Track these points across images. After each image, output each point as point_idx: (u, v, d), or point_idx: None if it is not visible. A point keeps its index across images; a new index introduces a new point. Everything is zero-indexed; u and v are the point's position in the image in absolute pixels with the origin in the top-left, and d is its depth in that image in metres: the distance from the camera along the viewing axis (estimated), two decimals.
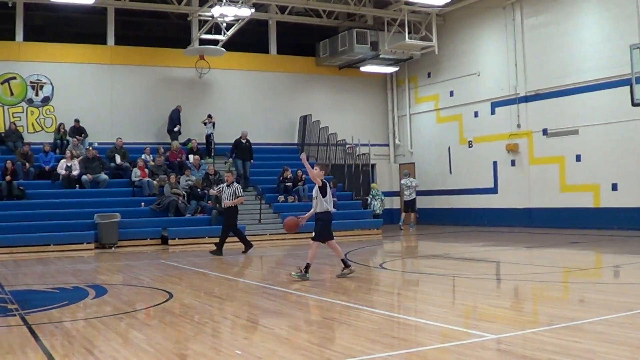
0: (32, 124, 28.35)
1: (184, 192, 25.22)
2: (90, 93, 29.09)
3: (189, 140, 29.18)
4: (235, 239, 20.41)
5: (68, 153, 25.91)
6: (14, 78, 28.30)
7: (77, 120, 27.86)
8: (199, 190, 25.44)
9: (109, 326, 9.04)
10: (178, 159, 27.65)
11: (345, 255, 14.02)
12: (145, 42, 30.69)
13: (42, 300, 11.74)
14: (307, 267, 13.10)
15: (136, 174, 25.95)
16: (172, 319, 9.65)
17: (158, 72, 30.44)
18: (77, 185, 25.33)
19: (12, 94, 28.18)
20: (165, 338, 8.23)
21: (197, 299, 11.49)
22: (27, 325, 9.20)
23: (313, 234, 13.32)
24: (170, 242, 23.40)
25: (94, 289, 12.73)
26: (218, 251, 19.52)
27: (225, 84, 31.57)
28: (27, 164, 25.51)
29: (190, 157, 28.06)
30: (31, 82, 28.42)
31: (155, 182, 25.56)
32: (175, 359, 7.13)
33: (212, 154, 29.32)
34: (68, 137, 27.67)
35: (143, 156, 26.98)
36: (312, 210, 13.61)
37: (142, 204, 25.00)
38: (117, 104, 29.45)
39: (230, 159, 28.44)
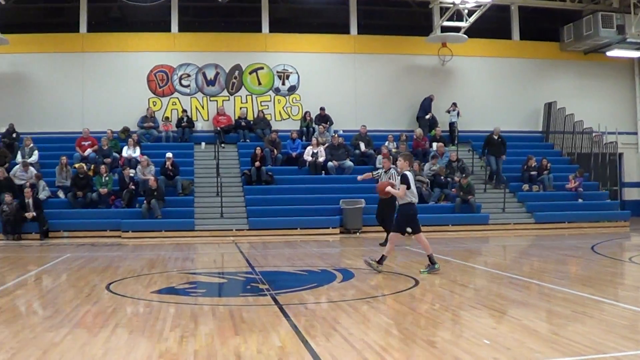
0: (279, 112, 29.30)
1: (427, 180, 25.05)
2: (335, 82, 29.68)
3: (433, 127, 28.95)
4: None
5: (314, 140, 26.54)
6: (262, 68, 29.39)
7: (322, 109, 28.45)
8: (442, 178, 25.18)
9: (357, 309, 9.16)
10: (422, 147, 27.48)
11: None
12: (387, 31, 30.86)
13: (292, 282, 12.17)
14: (381, 259, 12.70)
15: (380, 161, 26.05)
16: (419, 305, 9.65)
17: (400, 60, 30.53)
18: (323, 172, 25.90)
19: (260, 83, 29.33)
20: (412, 324, 8.20)
21: (442, 286, 11.37)
22: (277, 304, 9.49)
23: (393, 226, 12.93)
24: None
25: (341, 273, 12.97)
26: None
27: (468, 71, 31.15)
28: (275, 151, 26.37)
29: (434, 144, 27.87)
30: (278, 72, 29.41)
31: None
32: (423, 344, 7.07)
33: (456, 142, 29.07)
34: (314, 125, 28.28)
35: (386, 143, 27.03)
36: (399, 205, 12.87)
37: None
38: (360, 92, 29.81)
39: (484, 157, 27.91)
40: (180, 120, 28.45)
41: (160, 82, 29.17)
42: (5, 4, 27.16)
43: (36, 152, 25.79)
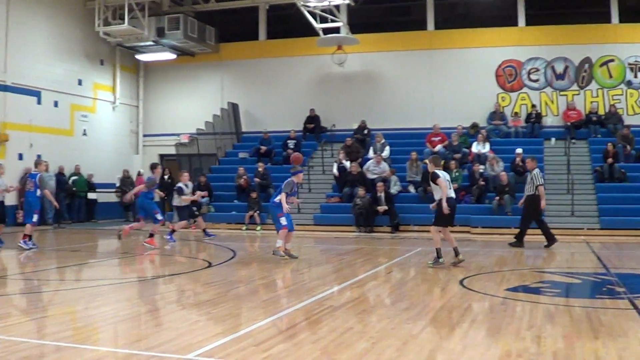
0: (632, 106, 28.18)
1: None
2: None
3: None
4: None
5: None
6: (612, 60, 28.42)
7: None
8: None
9: None
10: None
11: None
12: None
13: None
14: (437, 253, 13.78)
15: None
16: None
17: None
18: None
19: (610, 76, 28.37)
20: None
21: None
22: (637, 309, 9.20)
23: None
24: None
25: None
26: (518, 242, 17.82)
27: None
28: (628, 147, 25.35)
29: None
30: (629, 64, 28.33)
31: None
32: None
33: None
34: None
35: None
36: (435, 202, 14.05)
37: None
38: None
39: None
40: (529, 115, 28.27)
41: (509, 77, 29.16)
42: (355, 5, 28.47)
43: (387, 147, 26.78)
